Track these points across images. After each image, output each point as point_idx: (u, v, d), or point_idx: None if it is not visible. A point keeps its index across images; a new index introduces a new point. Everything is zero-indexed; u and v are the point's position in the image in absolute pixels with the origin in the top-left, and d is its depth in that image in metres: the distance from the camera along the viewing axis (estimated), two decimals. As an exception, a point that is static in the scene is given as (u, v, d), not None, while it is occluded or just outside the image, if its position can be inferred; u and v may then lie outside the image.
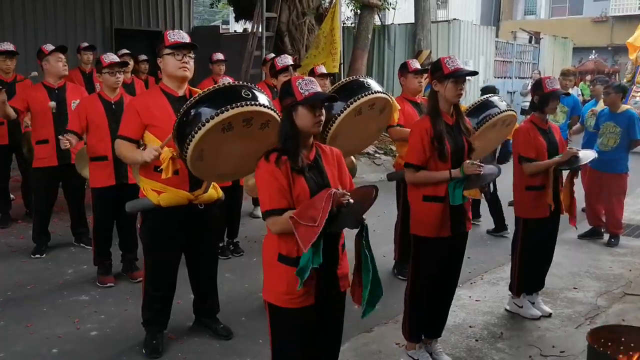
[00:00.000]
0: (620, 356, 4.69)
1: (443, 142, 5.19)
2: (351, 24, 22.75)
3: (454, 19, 22.60)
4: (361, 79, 6.15)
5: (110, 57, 7.37)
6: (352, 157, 7.02)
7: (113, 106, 7.32)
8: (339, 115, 5.78)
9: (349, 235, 4.08)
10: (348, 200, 3.72)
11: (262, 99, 4.73)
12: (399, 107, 6.92)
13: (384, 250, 8.23)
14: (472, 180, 5.21)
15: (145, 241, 5.78)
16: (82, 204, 8.85)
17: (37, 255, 8.49)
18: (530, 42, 29.34)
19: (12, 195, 10.55)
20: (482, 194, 5.54)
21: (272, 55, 11.32)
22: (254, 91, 4.75)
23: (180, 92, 5.52)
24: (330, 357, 4.38)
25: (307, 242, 3.64)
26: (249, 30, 18.75)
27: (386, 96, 6.12)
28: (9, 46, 9.54)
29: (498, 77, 25.00)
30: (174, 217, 5.53)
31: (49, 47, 8.38)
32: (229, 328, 6.23)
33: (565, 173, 6.62)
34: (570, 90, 11.67)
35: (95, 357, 5.78)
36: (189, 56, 5.46)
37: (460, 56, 20.44)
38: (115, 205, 7.40)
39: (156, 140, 5.28)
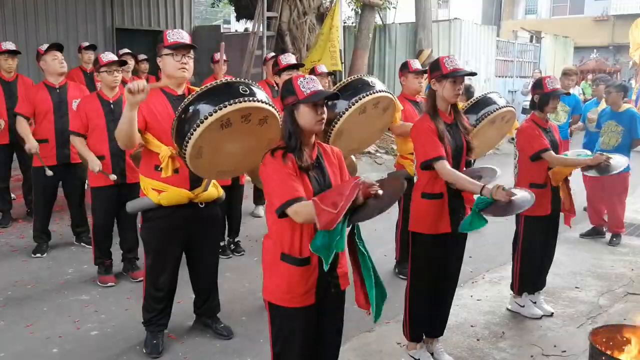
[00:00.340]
0: (622, 356, 4.67)
1: (443, 141, 5.17)
2: (352, 23, 22.75)
3: (455, 18, 22.56)
4: (366, 78, 6.15)
5: (108, 56, 7.36)
6: (353, 157, 7.01)
7: (112, 105, 7.32)
8: (344, 113, 5.78)
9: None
10: (377, 191, 3.68)
11: (260, 95, 4.72)
12: (402, 108, 6.91)
13: (384, 250, 8.22)
14: (499, 206, 4.93)
15: (146, 241, 5.77)
16: (82, 203, 8.84)
17: (38, 255, 8.49)
18: (531, 41, 29.32)
19: (12, 195, 10.55)
20: None
21: (273, 54, 11.30)
22: (252, 87, 4.74)
23: (180, 91, 5.50)
24: (330, 356, 4.36)
25: (328, 226, 3.58)
26: (250, 30, 18.75)
27: (390, 95, 6.13)
28: (10, 45, 9.53)
29: (499, 77, 25.01)
30: (175, 216, 5.52)
31: (45, 47, 8.38)
32: (230, 327, 6.23)
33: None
34: (571, 90, 11.65)
35: (95, 357, 5.77)
36: (189, 56, 5.43)
37: (461, 55, 20.45)
38: (114, 204, 7.41)
39: (155, 141, 5.26)
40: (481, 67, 21.79)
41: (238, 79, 4.97)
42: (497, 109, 6.27)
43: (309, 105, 3.89)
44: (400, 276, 7.73)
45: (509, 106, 6.44)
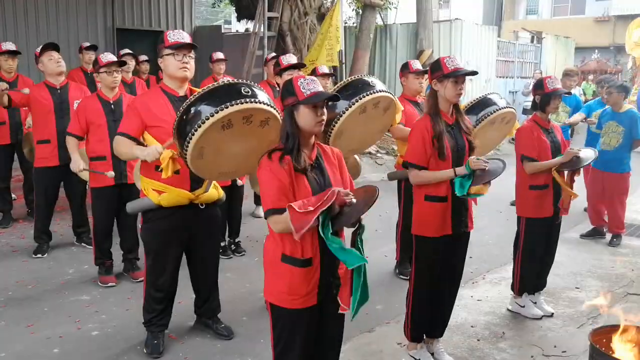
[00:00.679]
0: (623, 356, 4.67)
1: (443, 141, 5.18)
2: (353, 23, 22.74)
3: (456, 19, 22.55)
4: (366, 78, 6.16)
5: (108, 57, 7.36)
6: (356, 157, 7.01)
7: (112, 106, 7.33)
8: (344, 112, 5.78)
9: (348, 235, 4.08)
10: (351, 199, 3.72)
11: (262, 96, 4.72)
12: (402, 108, 6.91)
13: (385, 250, 8.21)
14: (477, 176, 5.18)
15: (146, 241, 5.76)
16: (83, 203, 8.85)
17: (39, 255, 8.50)
18: (532, 41, 29.28)
19: (13, 195, 10.56)
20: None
21: (273, 54, 11.30)
22: (254, 89, 4.75)
23: (181, 92, 5.50)
24: (331, 356, 4.37)
25: (300, 228, 3.63)
26: (251, 30, 18.76)
27: (390, 95, 6.13)
28: (11, 46, 9.54)
29: (500, 77, 24.99)
30: (175, 217, 5.52)
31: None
32: (230, 328, 6.24)
33: (565, 172, 6.61)
34: (572, 90, 11.65)
35: (96, 357, 5.77)
36: (189, 56, 5.44)
37: (462, 56, 20.43)
38: (115, 204, 7.42)
39: (155, 142, 5.26)
40: (482, 68, 21.74)
41: (239, 80, 4.98)
42: (497, 110, 6.27)
43: (309, 106, 3.89)
44: (401, 276, 7.73)
45: (509, 107, 6.44)
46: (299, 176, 3.92)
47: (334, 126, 5.82)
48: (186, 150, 4.70)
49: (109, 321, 6.51)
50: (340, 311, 4.13)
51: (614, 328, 4.98)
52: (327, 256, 3.90)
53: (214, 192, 5.72)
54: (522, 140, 6.52)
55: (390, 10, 22.48)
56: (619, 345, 4.75)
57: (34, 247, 8.66)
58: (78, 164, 7.21)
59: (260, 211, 10.61)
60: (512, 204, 9.57)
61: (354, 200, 3.74)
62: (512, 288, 6.94)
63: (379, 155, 16.51)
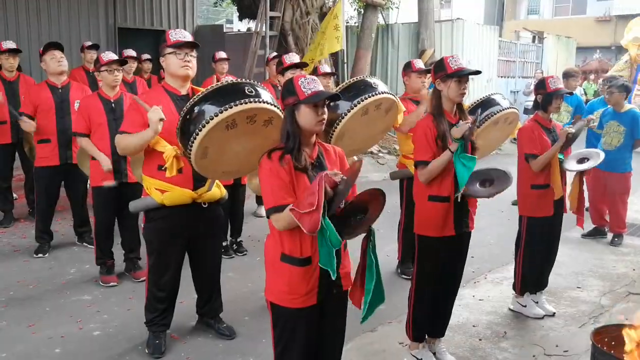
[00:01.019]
0: (625, 355, 4.67)
1: (446, 141, 5.18)
2: (355, 23, 22.74)
3: (458, 19, 22.57)
4: (368, 79, 6.14)
5: (109, 55, 7.37)
6: (355, 157, 7.01)
7: (112, 104, 7.34)
8: (346, 114, 5.78)
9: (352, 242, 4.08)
10: (341, 177, 3.71)
11: (266, 96, 4.73)
12: (404, 109, 6.91)
13: (387, 250, 8.23)
14: (466, 137, 5.16)
15: (148, 240, 5.76)
16: (84, 203, 8.86)
17: (40, 255, 8.51)
18: (533, 41, 29.30)
19: (15, 195, 10.56)
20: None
21: (275, 54, 11.29)
22: (257, 88, 4.76)
23: (183, 91, 5.51)
24: (333, 356, 4.36)
25: (314, 228, 3.61)
26: (253, 30, 18.76)
27: (392, 97, 6.12)
28: (11, 44, 9.53)
29: (501, 77, 25.02)
30: (178, 216, 5.53)
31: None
32: (232, 328, 6.24)
33: (567, 174, 6.61)
34: (573, 90, 11.65)
35: (98, 357, 5.77)
36: (191, 55, 5.45)
37: (463, 56, 20.32)
38: (116, 204, 7.43)
39: (160, 140, 5.26)
40: (483, 68, 21.69)
41: (243, 79, 4.98)
42: (500, 111, 6.27)
43: (310, 105, 3.89)
44: (403, 276, 7.75)
45: (513, 108, 6.43)
46: (299, 175, 3.92)
47: (336, 128, 5.81)
48: (190, 150, 4.70)
49: (110, 321, 6.51)
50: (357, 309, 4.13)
51: (616, 327, 4.98)
52: (326, 256, 3.89)
53: (217, 191, 5.72)
54: (524, 140, 6.52)
55: (391, 10, 22.51)
56: (621, 345, 4.74)
57: (35, 246, 8.66)
58: (106, 164, 7.16)
59: (262, 211, 10.58)
60: (513, 204, 9.57)
61: (344, 177, 3.73)
62: (514, 287, 6.94)
63: (380, 154, 16.52)
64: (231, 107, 4.53)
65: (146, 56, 13.12)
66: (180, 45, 5.35)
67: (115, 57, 7.42)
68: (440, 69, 5.25)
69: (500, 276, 8.02)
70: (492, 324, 6.59)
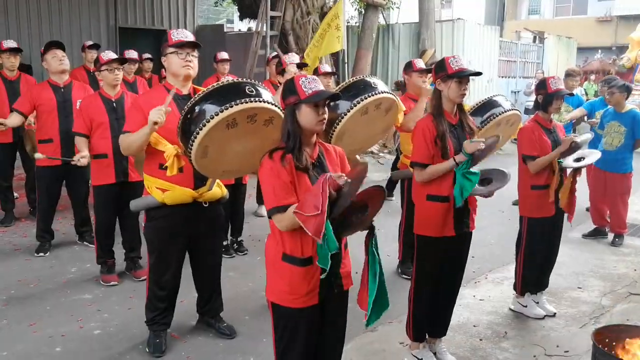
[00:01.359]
0: (625, 356, 4.67)
1: (446, 141, 5.18)
2: (355, 23, 22.74)
3: (458, 19, 22.55)
4: (368, 79, 6.14)
5: (109, 54, 7.37)
6: (357, 156, 7.01)
7: (114, 104, 7.34)
8: (346, 114, 5.78)
9: (355, 237, 4.08)
10: (345, 180, 3.71)
11: (266, 95, 4.74)
12: (404, 108, 6.91)
13: (388, 250, 8.23)
14: (476, 156, 5.18)
15: (149, 240, 5.76)
16: (85, 202, 8.85)
17: (41, 254, 8.51)
18: (534, 41, 29.27)
19: (15, 194, 10.56)
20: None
21: (275, 53, 11.30)
22: (258, 88, 4.77)
23: (185, 91, 5.50)
24: (334, 356, 4.37)
25: (318, 232, 3.62)
26: (253, 29, 18.76)
27: (392, 96, 6.12)
28: (12, 43, 9.54)
29: (502, 77, 25.00)
30: (179, 215, 5.53)
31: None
32: (233, 327, 6.24)
33: (568, 171, 6.60)
34: (574, 90, 11.66)
35: (98, 356, 5.78)
36: (193, 55, 5.45)
37: (464, 56, 20.35)
38: (116, 203, 7.44)
39: (162, 140, 5.26)
40: (484, 68, 21.70)
41: (243, 79, 4.98)
42: (502, 112, 6.27)
43: (311, 105, 3.89)
44: (403, 276, 7.75)
45: (515, 109, 6.44)
46: (300, 175, 3.92)
47: (336, 127, 5.81)
48: (191, 149, 4.71)
49: (111, 320, 6.52)
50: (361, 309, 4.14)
51: (617, 328, 4.99)
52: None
53: (218, 190, 5.72)
54: (523, 141, 6.52)
55: (392, 10, 22.49)
56: (622, 345, 4.75)
57: (36, 245, 8.66)
58: (83, 158, 7.19)
59: (263, 210, 10.60)
60: (514, 204, 9.57)
61: (348, 180, 3.73)
62: (515, 288, 6.94)
63: (381, 154, 16.52)
64: (232, 107, 4.53)
65: (147, 55, 13.12)
66: (182, 45, 5.35)
67: (115, 56, 7.40)
68: (441, 70, 5.26)
69: (500, 276, 8.02)
70: (492, 324, 6.59)
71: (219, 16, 49.95)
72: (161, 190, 5.43)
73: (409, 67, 7.60)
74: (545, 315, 6.74)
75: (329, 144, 4.30)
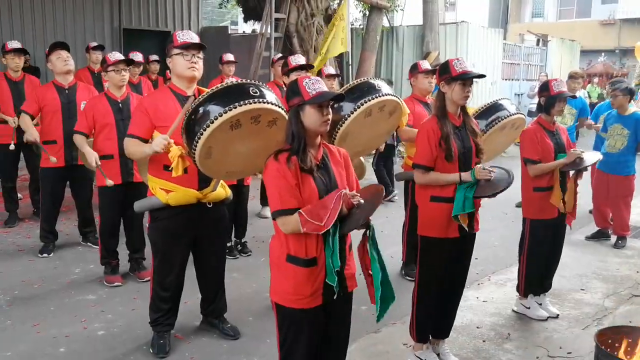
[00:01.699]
0: (628, 357, 4.68)
1: (450, 143, 5.19)
2: (359, 25, 22.75)
3: (462, 21, 22.54)
4: (372, 81, 6.14)
5: (116, 55, 7.40)
6: (361, 158, 7.02)
7: (120, 105, 7.35)
8: (350, 116, 5.78)
9: (356, 235, 4.09)
10: (359, 200, 3.72)
11: (270, 96, 4.74)
12: (408, 111, 6.93)
13: (391, 252, 8.23)
14: (482, 186, 5.21)
15: (153, 240, 5.77)
16: (89, 203, 8.88)
17: (45, 255, 8.53)
18: (537, 44, 29.26)
19: (19, 195, 10.58)
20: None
21: (280, 55, 11.31)
22: (262, 89, 4.77)
23: (190, 92, 5.51)
24: (337, 357, 4.38)
25: (312, 232, 3.68)
26: (258, 31, 18.76)
27: (396, 99, 6.11)
28: (16, 44, 9.55)
29: (505, 79, 24.99)
30: (183, 216, 5.54)
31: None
32: (237, 328, 6.25)
33: (571, 173, 6.61)
34: (577, 93, 11.66)
35: (102, 357, 5.79)
36: (198, 56, 5.46)
37: (467, 58, 20.37)
38: (121, 204, 7.44)
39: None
40: (488, 70, 21.73)
41: (247, 80, 4.99)
42: (508, 116, 6.28)
43: (315, 106, 3.91)
44: (407, 277, 7.76)
45: (520, 113, 6.44)
46: (305, 176, 3.93)
47: (339, 129, 5.81)
48: (195, 150, 4.72)
49: (115, 321, 6.53)
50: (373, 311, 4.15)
51: (619, 329, 5.00)
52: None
53: (222, 191, 5.73)
54: (525, 143, 6.52)
55: (396, 13, 22.51)
56: (624, 347, 4.76)
57: (39, 246, 8.67)
58: (92, 158, 7.15)
59: (267, 212, 10.62)
60: (517, 206, 9.58)
61: (362, 201, 3.75)
62: (518, 289, 6.94)
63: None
64: (235, 108, 4.54)
65: (154, 57, 13.14)
66: (188, 47, 5.37)
67: (122, 57, 7.43)
68: (444, 72, 5.27)
69: (504, 278, 8.02)
70: (495, 326, 6.60)
71: (224, 18, 49.99)
72: (165, 191, 5.45)
73: (414, 69, 7.62)
74: (548, 317, 6.75)
75: (333, 146, 4.31)
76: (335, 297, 4.04)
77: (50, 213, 8.63)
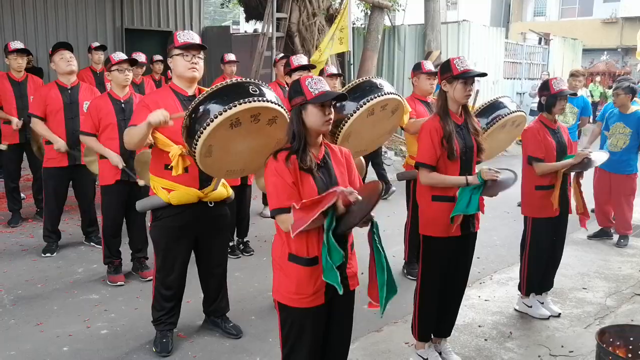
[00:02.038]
0: (629, 356, 4.69)
1: (452, 141, 5.19)
2: (361, 24, 22.75)
3: (464, 20, 22.56)
4: (374, 80, 6.13)
5: (119, 55, 7.41)
6: (361, 157, 7.03)
7: (122, 105, 7.36)
8: (352, 115, 5.78)
9: (357, 235, 4.10)
10: (357, 197, 3.73)
11: (270, 95, 4.75)
12: (410, 109, 6.93)
13: (393, 251, 8.25)
14: (488, 187, 5.21)
15: (155, 239, 5.78)
16: (92, 203, 8.90)
17: (48, 254, 8.54)
18: (539, 43, 29.25)
19: (22, 195, 10.59)
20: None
21: (282, 54, 11.33)
22: (262, 87, 4.78)
23: (190, 92, 5.52)
24: (339, 356, 4.38)
25: (295, 228, 3.70)
26: (259, 31, 18.77)
27: (398, 98, 6.12)
28: (19, 44, 9.56)
29: (507, 78, 24.99)
30: (185, 215, 5.55)
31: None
32: (239, 327, 6.25)
33: (572, 174, 6.62)
34: (579, 92, 11.65)
35: (105, 356, 5.80)
36: (199, 57, 5.47)
37: (469, 57, 20.40)
38: (124, 203, 7.46)
39: (167, 141, 5.28)
40: (489, 69, 21.73)
41: (248, 79, 5.00)
42: (508, 114, 6.28)
43: (317, 105, 3.92)
44: (409, 277, 7.76)
45: (520, 111, 6.45)
46: (304, 175, 3.94)
47: (342, 128, 5.81)
48: (195, 149, 4.73)
49: (118, 320, 6.55)
50: (369, 307, 4.16)
51: (621, 328, 5.01)
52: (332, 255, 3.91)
53: (223, 190, 5.74)
54: (528, 142, 6.52)
55: (398, 12, 22.51)
56: (626, 345, 4.77)
57: (43, 246, 8.70)
58: (117, 160, 7.16)
59: (268, 211, 10.61)
60: (519, 205, 9.59)
61: (360, 198, 3.76)
62: (520, 288, 6.95)
63: (387, 155, 16.51)
64: (235, 106, 4.55)
65: (158, 57, 13.16)
66: (188, 47, 5.38)
67: (125, 57, 7.44)
68: (446, 71, 5.27)
69: (505, 277, 8.03)
70: (497, 324, 6.61)
71: (225, 17, 50.03)
72: (167, 190, 5.45)
73: (417, 69, 7.62)
74: (550, 316, 6.75)
75: (335, 145, 4.31)
76: (337, 293, 4.05)
77: (54, 213, 8.64)
